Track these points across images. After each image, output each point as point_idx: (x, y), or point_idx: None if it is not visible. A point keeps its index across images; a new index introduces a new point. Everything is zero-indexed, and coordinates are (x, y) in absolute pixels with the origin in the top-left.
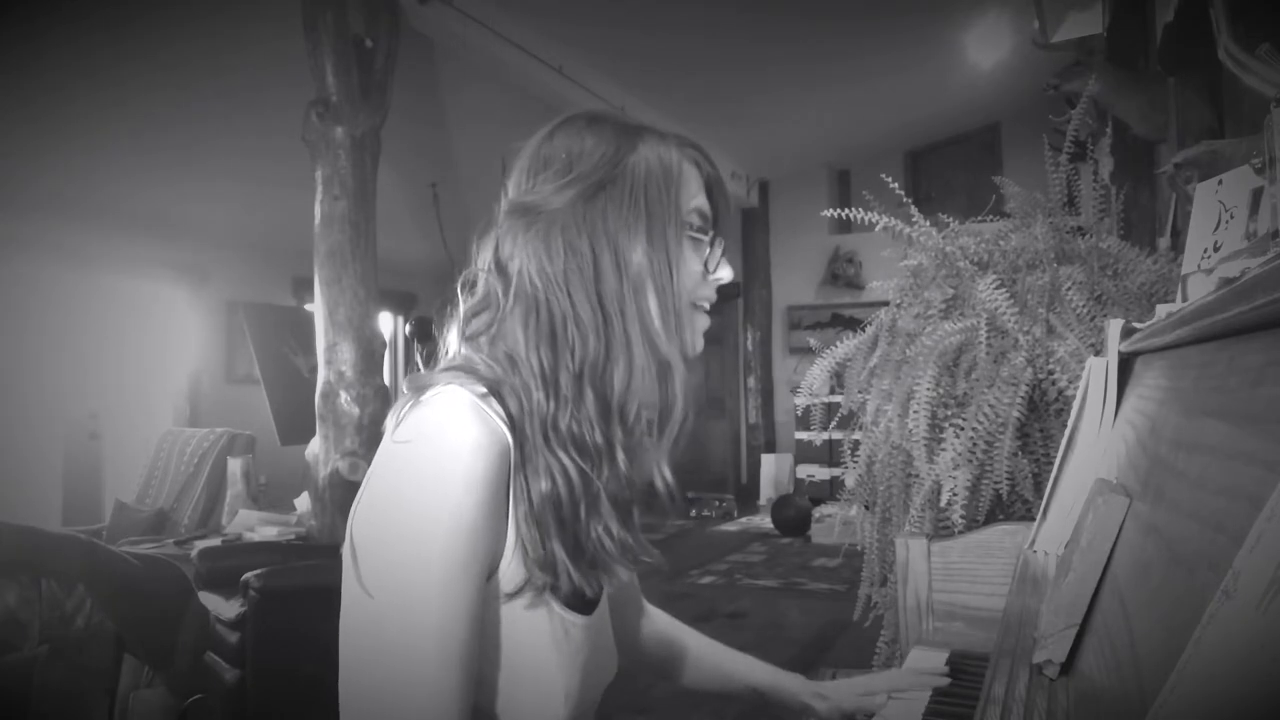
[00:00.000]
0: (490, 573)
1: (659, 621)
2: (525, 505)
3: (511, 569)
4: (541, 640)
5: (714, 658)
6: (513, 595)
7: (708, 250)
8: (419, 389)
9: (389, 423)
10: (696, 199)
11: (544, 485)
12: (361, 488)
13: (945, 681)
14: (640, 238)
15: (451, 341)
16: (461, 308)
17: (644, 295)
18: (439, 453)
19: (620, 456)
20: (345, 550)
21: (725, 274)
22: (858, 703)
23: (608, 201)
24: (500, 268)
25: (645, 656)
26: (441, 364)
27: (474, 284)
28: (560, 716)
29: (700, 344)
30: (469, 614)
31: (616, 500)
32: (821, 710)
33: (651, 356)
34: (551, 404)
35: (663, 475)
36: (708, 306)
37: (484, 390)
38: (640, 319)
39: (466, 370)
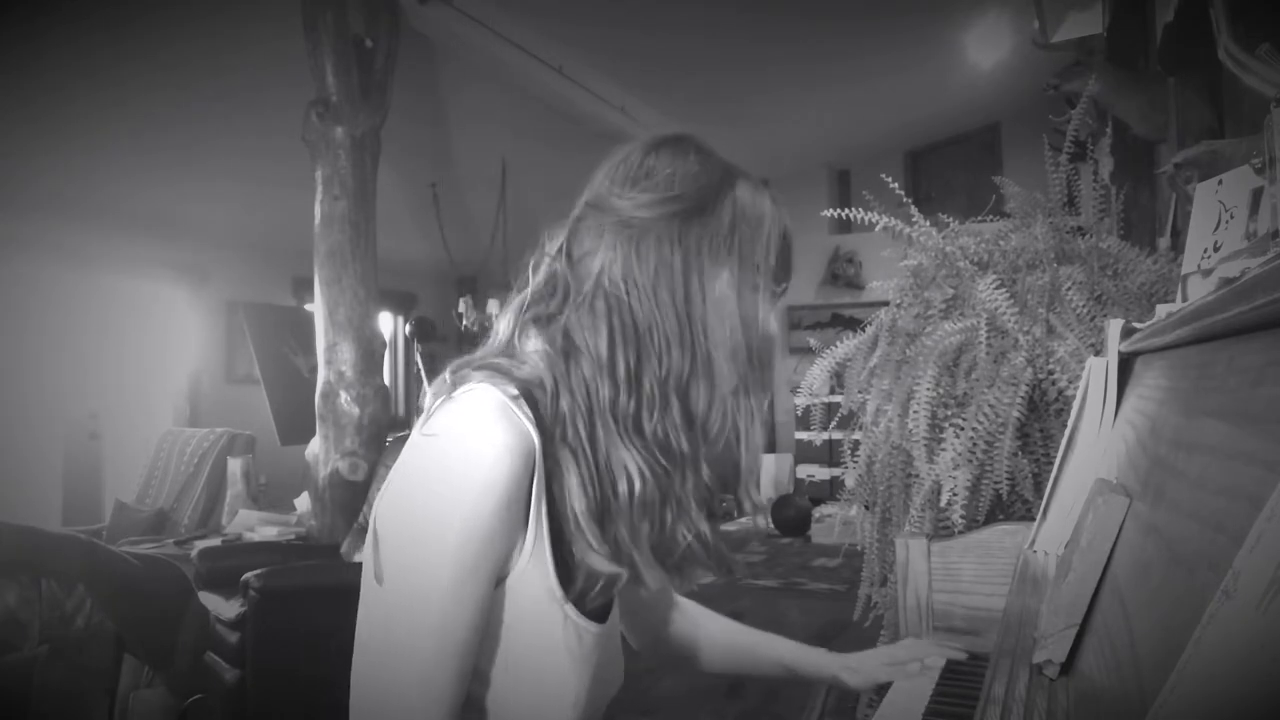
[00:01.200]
0: (501, 576)
1: (689, 611)
2: (583, 502)
3: (529, 572)
4: (554, 645)
5: (743, 641)
6: (567, 600)
7: (768, 300)
8: (454, 383)
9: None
10: (772, 253)
11: (623, 486)
12: (387, 479)
13: (963, 655)
14: (726, 271)
15: (505, 324)
16: (529, 289)
17: (724, 324)
18: (460, 455)
19: (705, 468)
20: (368, 537)
21: (773, 327)
22: (889, 673)
23: (703, 229)
24: (572, 260)
25: (676, 647)
26: (487, 346)
27: (539, 268)
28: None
29: None
30: (472, 617)
31: (704, 506)
32: (854, 683)
33: (732, 381)
34: (632, 403)
35: (752, 498)
36: None
37: (515, 392)
38: (722, 345)
39: (501, 370)
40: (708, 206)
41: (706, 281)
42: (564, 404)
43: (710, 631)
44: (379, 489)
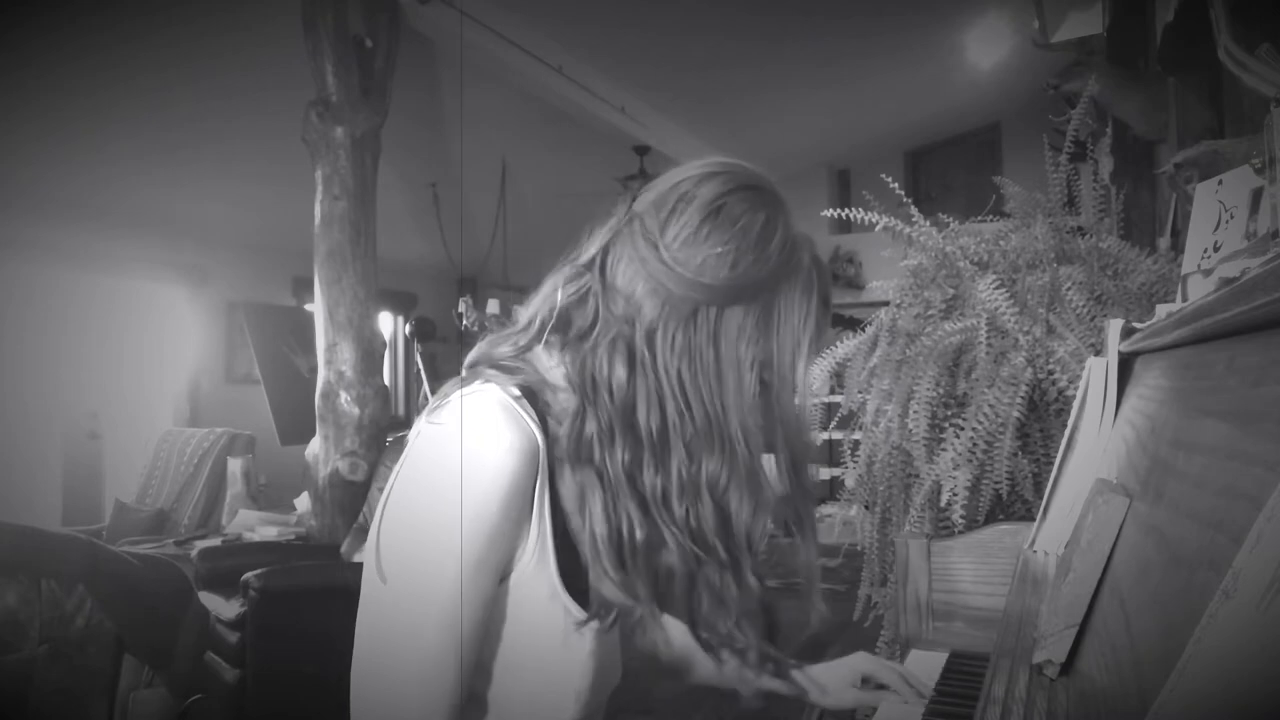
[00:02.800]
0: (505, 573)
1: (668, 622)
2: (604, 527)
3: (533, 570)
4: (556, 641)
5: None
6: (584, 622)
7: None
8: (468, 380)
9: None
10: (808, 336)
11: (624, 529)
12: (390, 478)
13: (926, 689)
14: (760, 363)
15: (531, 315)
16: (561, 291)
17: (768, 424)
18: (465, 454)
19: (750, 579)
20: (369, 536)
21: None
22: (856, 697)
23: (745, 317)
24: (606, 279)
25: (656, 655)
26: (508, 334)
27: (580, 272)
28: (572, 714)
29: None
30: (477, 613)
31: (750, 616)
32: (823, 703)
33: (779, 490)
34: (659, 478)
35: (815, 608)
36: None
37: (518, 392)
38: (757, 447)
39: (508, 370)
40: (760, 294)
41: (744, 375)
42: (589, 427)
43: (687, 642)
44: (379, 489)
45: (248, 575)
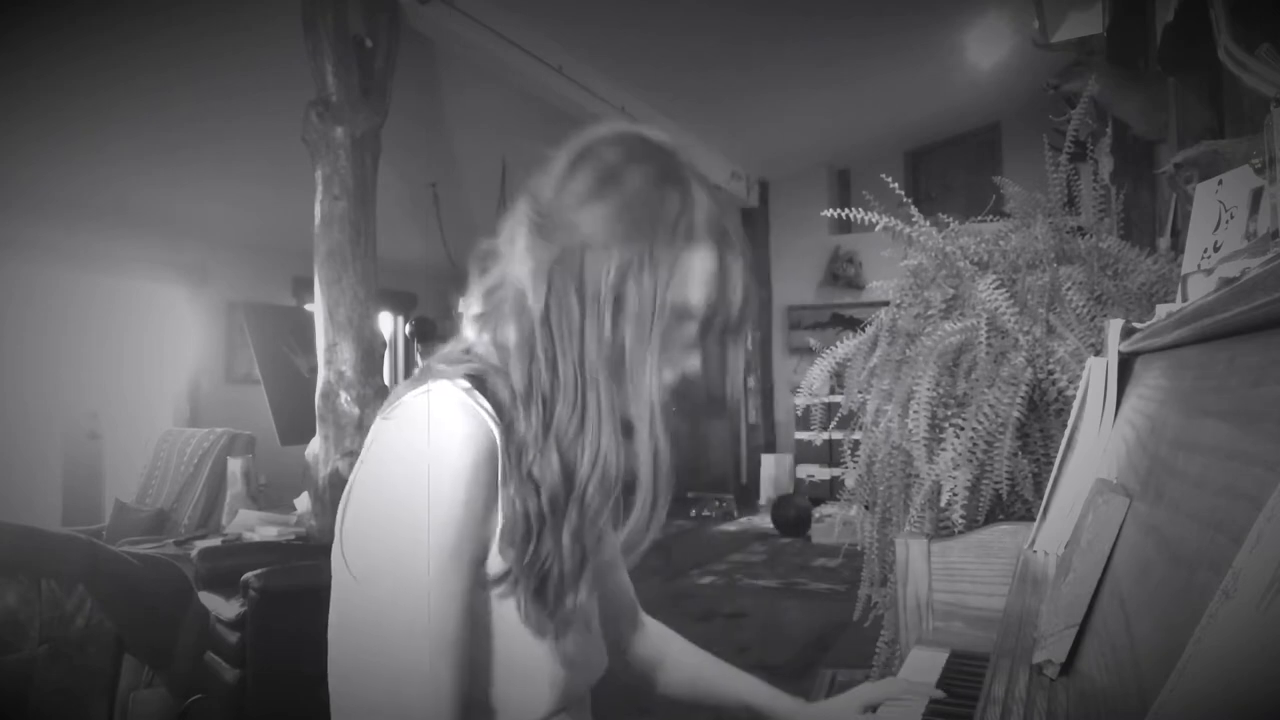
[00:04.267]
0: (481, 560)
1: (653, 635)
2: (505, 492)
3: (498, 557)
4: (523, 628)
5: (707, 673)
6: (498, 580)
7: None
8: (415, 381)
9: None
10: (691, 292)
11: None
12: (349, 482)
13: (940, 694)
14: (637, 317)
15: (473, 308)
16: (475, 275)
17: (631, 386)
18: (423, 449)
19: (565, 539)
20: (335, 541)
21: (691, 365)
22: None
23: (610, 262)
24: (514, 255)
25: (635, 671)
26: (449, 345)
27: (495, 255)
28: (548, 702)
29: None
30: (460, 603)
31: (527, 538)
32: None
33: (620, 440)
34: (525, 429)
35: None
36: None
37: (468, 385)
38: (608, 399)
39: (458, 361)
40: (620, 236)
41: (603, 322)
42: (504, 395)
43: (676, 656)
44: None
45: (248, 575)
